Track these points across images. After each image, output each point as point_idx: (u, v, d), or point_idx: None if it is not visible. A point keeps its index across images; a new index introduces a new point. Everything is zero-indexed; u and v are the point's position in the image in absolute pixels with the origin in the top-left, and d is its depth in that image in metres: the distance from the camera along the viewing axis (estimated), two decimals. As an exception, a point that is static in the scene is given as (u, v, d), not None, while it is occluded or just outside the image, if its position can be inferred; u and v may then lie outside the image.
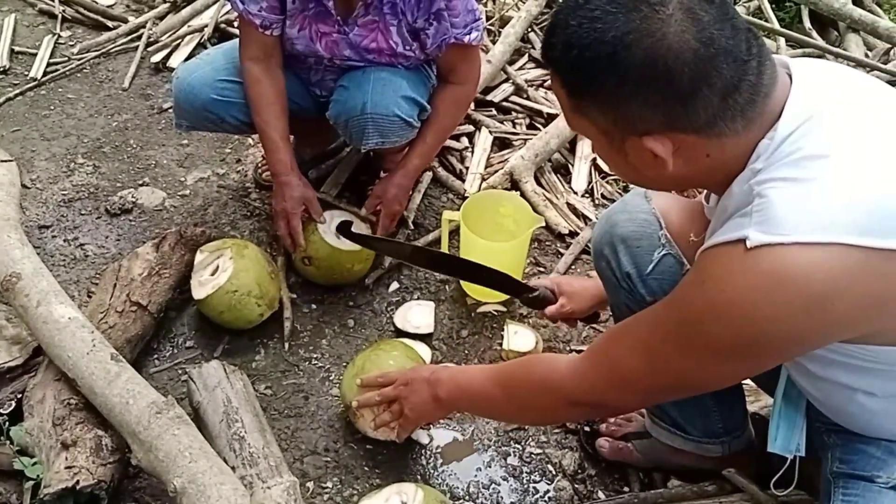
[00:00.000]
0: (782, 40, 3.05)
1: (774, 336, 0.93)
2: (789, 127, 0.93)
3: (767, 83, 0.93)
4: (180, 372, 1.80)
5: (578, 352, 1.88)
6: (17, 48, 2.87)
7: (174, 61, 2.82)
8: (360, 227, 2.02)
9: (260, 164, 2.34)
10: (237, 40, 1.94)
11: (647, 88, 0.90)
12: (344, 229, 1.92)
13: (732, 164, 0.97)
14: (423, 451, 1.63)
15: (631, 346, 1.10)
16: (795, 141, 0.92)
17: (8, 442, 1.52)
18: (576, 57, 0.92)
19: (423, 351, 1.82)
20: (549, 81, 2.69)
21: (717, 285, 0.94)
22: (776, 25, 3.08)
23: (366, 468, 1.62)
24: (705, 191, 1.19)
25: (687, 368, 1.03)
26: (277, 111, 1.91)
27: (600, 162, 2.43)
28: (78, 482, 1.36)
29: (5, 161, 2.06)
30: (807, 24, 3.21)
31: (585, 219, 2.26)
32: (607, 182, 2.42)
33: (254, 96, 1.90)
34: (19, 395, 1.59)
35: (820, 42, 3.03)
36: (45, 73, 2.75)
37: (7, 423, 1.54)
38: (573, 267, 2.12)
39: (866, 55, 3.07)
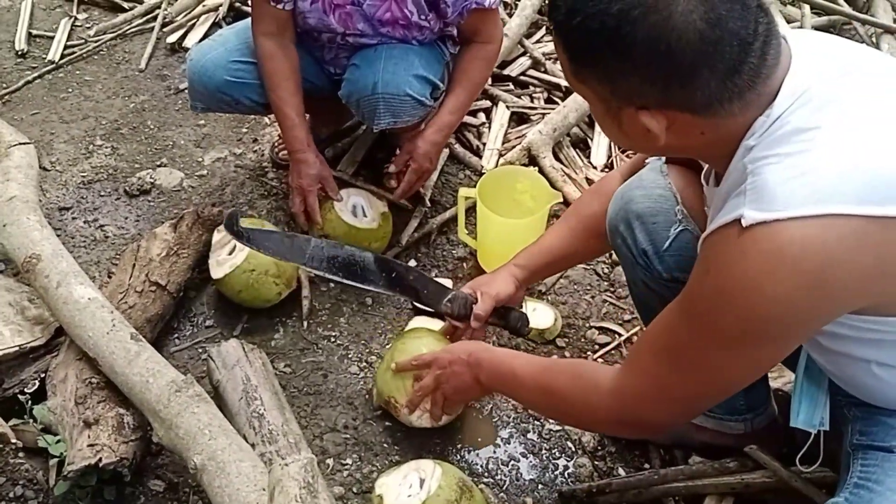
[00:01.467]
0: (807, 8, 2.98)
1: (783, 316, 0.91)
2: (785, 103, 0.91)
3: (770, 64, 0.91)
4: (200, 351, 1.81)
5: (599, 328, 1.88)
6: (34, 31, 2.89)
7: (190, 41, 2.81)
8: (376, 205, 2.01)
9: (277, 144, 2.33)
10: (250, 20, 1.92)
11: (647, 65, 0.88)
12: (230, 226, 1.65)
13: (728, 141, 0.96)
14: (441, 428, 1.63)
15: (656, 354, 1.08)
16: (788, 115, 0.90)
17: (32, 420, 1.55)
18: (579, 24, 0.91)
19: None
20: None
21: (719, 272, 0.93)
22: (802, -7, 3.01)
23: (385, 445, 1.63)
24: (704, 171, 1.17)
25: (711, 365, 1.01)
26: (292, 87, 1.89)
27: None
28: (101, 459, 1.37)
29: (24, 144, 2.07)
30: (833, -10, 3.12)
31: (605, 194, 2.23)
32: (627, 156, 2.38)
33: (268, 72, 1.89)
34: (42, 375, 1.61)
35: (846, 9, 2.95)
36: (62, 56, 2.76)
37: (31, 402, 1.56)
38: (592, 243, 2.09)
39: (895, 21, 2.98)
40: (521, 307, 1.67)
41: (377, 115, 1.87)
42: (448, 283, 1.95)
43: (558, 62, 2.60)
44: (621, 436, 1.60)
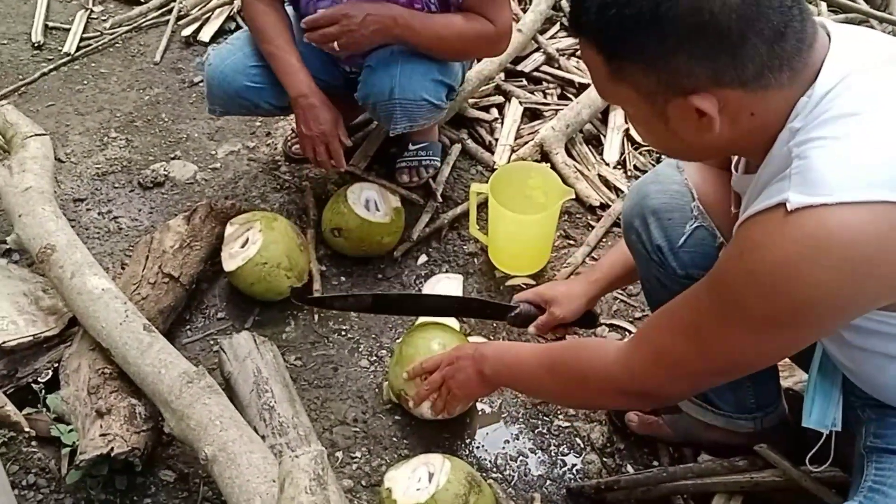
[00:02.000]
0: (824, 5, 2.95)
1: (820, 302, 0.88)
2: (828, 84, 0.89)
3: (811, 31, 0.90)
4: (212, 343, 1.82)
5: (609, 325, 1.87)
6: (50, 24, 2.91)
7: (205, 35, 2.82)
8: (389, 199, 2.01)
9: (290, 138, 2.34)
10: None
11: (693, 41, 0.86)
12: (299, 295, 1.77)
13: (774, 122, 0.93)
14: (451, 422, 1.63)
15: (674, 329, 1.06)
16: (833, 98, 0.88)
17: (45, 409, 1.56)
18: (614, 16, 0.88)
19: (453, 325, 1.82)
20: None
21: (757, 254, 0.90)
22: (819, -10, 2.98)
23: (394, 439, 1.63)
24: (734, 161, 1.15)
25: (732, 346, 0.99)
26: (289, 38, 1.87)
27: (633, 132, 2.39)
28: (112, 449, 1.38)
29: (40, 135, 2.08)
30: (851, -12, 3.09)
31: (617, 191, 2.23)
32: (640, 153, 2.37)
33: (261, 26, 1.87)
34: (55, 365, 1.63)
35: (864, 6, 2.92)
36: (78, 48, 2.78)
37: (44, 392, 1.58)
38: (604, 240, 2.09)
39: (913, 20, 2.95)
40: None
41: (394, 120, 1.87)
42: (459, 278, 1.95)
43: (574, 59, 2.64)
44: (625, 407, 1.58)
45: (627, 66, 0.92)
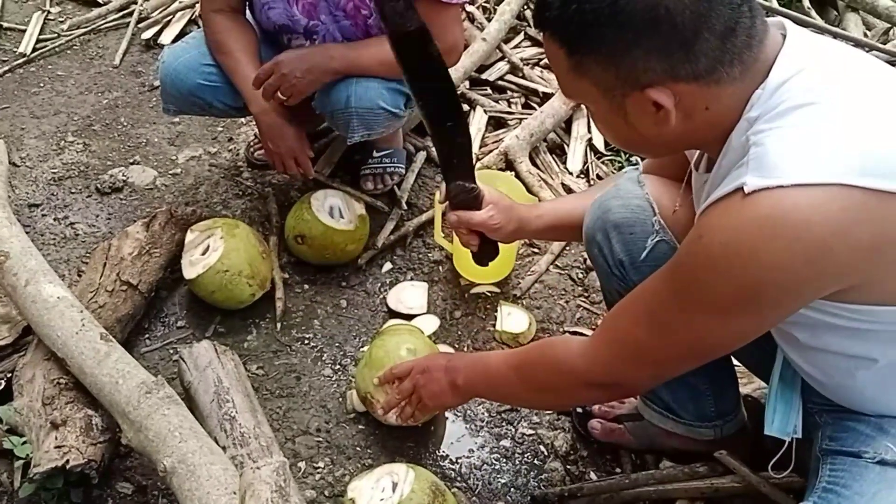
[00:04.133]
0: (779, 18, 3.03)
1: (779, 283, 0.91)
2: (782, 76, 0.93)
3: (760, 28, 0.94)
4: (171, 352, 1.79)
5: (573, 332, 1.89)
6: (5, 24, 2.84)
7: (165, 38, 2.79)
8: (353, 206, 2.00)
9: (252, 143, 2.32)
10: None
11: (649, 35, 0.90)
12: None
13: (729, 116, 0.97)
14: (415, 431, 1.63)
15: (636, 316, 1.08)
16: (788, 90, 0.92)
17: (-3, 421, 1.52)
18: (575, 11, 0.92)
19: (431, 323, 1.86)
20: (545, 60, 2.67)
21: (714, 236, 0.93)
22: (775, 4, 3.05)
23: (357, 448, 1.62)
24: (694, 158, 1.18)
25: (693, 331, 1.02)
26: (250, 49, 1.86)
27: (596, 142, 2.42)
28: (68, 461, 1.35)
29: (-7, 138, 2.04)
30: (806, 2, 3.18)
31: (580, 199, 2.25)
32: (603, 163, 2.40)
33: (221, 39, 1.86)
34: (9, 375, 1.58)
35: (819, 21, 3.00)
36: (34, 50, 2.72)
37: (-4, 403, 1.53)
38: (567, 248, 2.10)
39: (865, 34, 3.05)
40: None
41: (351, 128, 1.86)
42: (424, 286, 1.95)
43: (538, 69, 2.66)
44: (597, 401, 1.60)
45: (587, 60, 0.96)
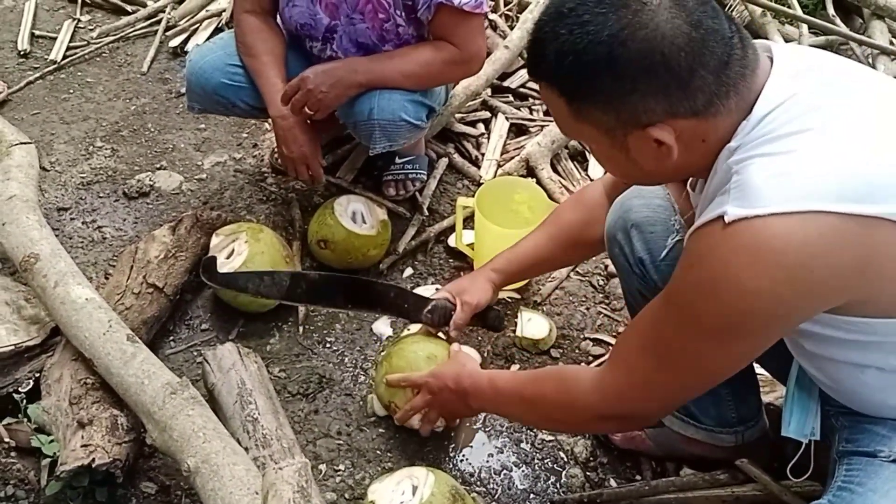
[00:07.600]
0: (805, 27, 3.01)
1: (763, 309, 0.93)
2: (766, 107, 0.95)
3: (752, 58, 0.96)
4: (195, 354, 1.81)
5: (593, 340, 1.88)
6: (37, 32, 2.90)
7: (192, 46, 2.82)
8: (375, 212, 2.02)
9: (276, 150, 2.34)
10: None
11: (646, 79, 0.92)
12: (208, 267, 1.66)
13: (720, 145, 0.98)
14: (435, 436, 1.64)
15: (640, 346, 1.11)
16: (772, 120, 0.94)
17: (26, 420, 1.54)
18: (572, 63, 0.94)
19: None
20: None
21: (701, 265, 0.96)
22: (799, 12, 3.03)
23: (378, 452, 1.63)
24: (690, 180, 1.20)
25: (693, 358, 1.03)
26: (277, 53, 1.90)
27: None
28: (94, 460, 1.37)
29: (25, 143, 2.08)
30: (830, 10, 3.15)
31: (601, 206, 2.25)
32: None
33: (250, 42, 1.90)
34: (37, 375, 1.61)
35: (844, 29, 2.98)
36: (64, 57, 2.77)
37: (25, 402, 1.56)
38: (588, 254, 2.10)
39: (891, 42, 3.01)
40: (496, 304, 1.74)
41: (373, 140, 1.88)
42: (430, 290, 1.96)
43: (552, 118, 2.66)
44: (611, 431, 1.61)
45: (587, 107, 0.98)
